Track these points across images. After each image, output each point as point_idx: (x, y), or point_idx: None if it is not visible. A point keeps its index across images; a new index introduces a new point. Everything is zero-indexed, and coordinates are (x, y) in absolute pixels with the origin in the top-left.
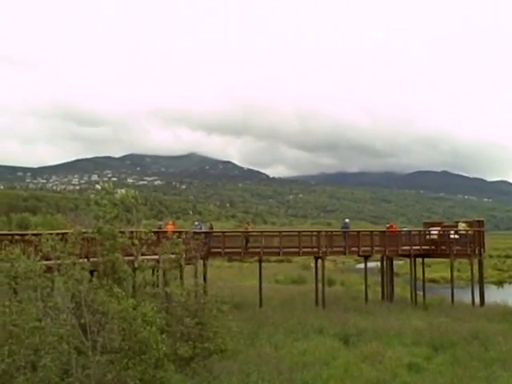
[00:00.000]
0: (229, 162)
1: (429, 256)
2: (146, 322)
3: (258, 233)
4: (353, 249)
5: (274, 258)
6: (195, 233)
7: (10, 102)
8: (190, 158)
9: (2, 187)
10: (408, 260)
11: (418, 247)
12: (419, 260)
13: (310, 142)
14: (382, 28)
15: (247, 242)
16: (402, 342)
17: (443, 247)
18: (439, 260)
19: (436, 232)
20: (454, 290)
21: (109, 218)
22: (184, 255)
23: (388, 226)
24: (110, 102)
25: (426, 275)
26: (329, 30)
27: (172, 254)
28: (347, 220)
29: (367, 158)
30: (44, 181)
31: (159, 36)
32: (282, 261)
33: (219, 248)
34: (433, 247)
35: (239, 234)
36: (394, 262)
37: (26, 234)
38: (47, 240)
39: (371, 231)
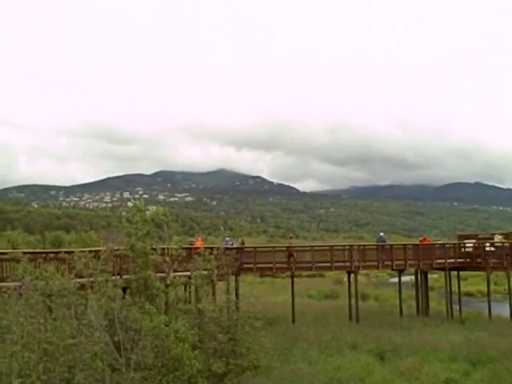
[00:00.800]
0: (259, 177)
1: (464, 269)
2: (179, 338)
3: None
4: (386, 263)
5: (306, 273)
6: (227, 248)
7: (42, 121)
8: (220, 173)
9: (36, 206)
10: (443, 273)
11: (453, 260)
12: (454, 273)
13: (340, 156)
14: (411, 39)
15: (291, 256)
16: (439, 358)
17: (479, 260)
18: (475, 273)
19: (471, 244)
20: (491, 304)
21: (140, 236)
22: (216, 271)
23: (421, 239)
24: (140, 119)
25: (461, 289)
26: (357, 42)
27: (204, 270)
28: (382, 233)
29: (399, 171)
30: (77, 199)
31: (187, 53)
32: (314, 276)
33: (251, 264)
34: (468, 260)
35: (271, 249)
36: (429, 276)
37: (60, 252)
38: (80, 258)
39: (404, 244)
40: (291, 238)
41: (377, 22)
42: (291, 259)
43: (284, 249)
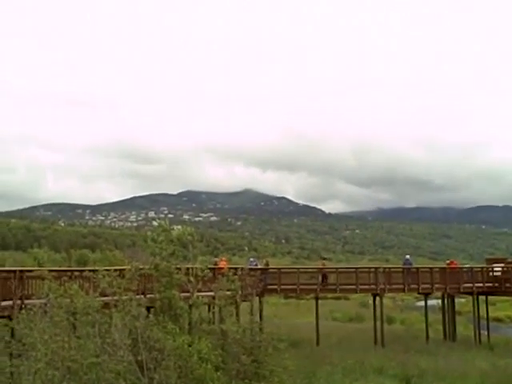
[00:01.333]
0: (284, 198)
1: (492, 294)
2: (202, 359)
3: (314, 270)
4: (412, 286)
5: (330, 295)
6: (251, 269)
7: (69, 141)
8: (245, 194)
9: (63, 224)
10: (470, 297)
11: (481, 284)
12: (482, 298)
13: (365, 177)
14: (439, 61)
15: (324, 278)
16: None
17: (508, 285)
18: (504, 298)
19: (500, 269)
20: None
21: (165, 255)
22: (240, 292)
23: (448, 262)
24: (166, 139)
25: (490, 314)
26: (384, 64)
27: (228, 290)
28: (408, 256)
29: (425, 193)
30: (102, 218)
31: (214, 73)
32: (339, 298)
33: (275, 285)
34: (496, 284)
35: (295, 270)
36: (456, 300)
37: (85, 271)
38: (105, 276)
39: (431, 268)
40: (324, 259)
41: (405, 43)
42: (324, 281)
43: (310, 270)
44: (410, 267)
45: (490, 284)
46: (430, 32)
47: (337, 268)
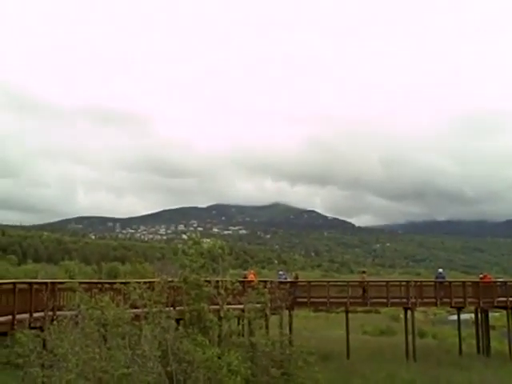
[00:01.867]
0: (313, 212)
1: None
2: (232, 371)
3: (343, 282)
4: (444, 300)
5: (360, 309)
6: (280, 282)
7: (100, 156)
8: (274, 207)
9: (94, 237)
10: (504, 312)
11: None
12: None
13: (396, 190)
14: (469, 74)
15: (364, 291)
16: None
17: None
18: None
19: None
20: None
21: (195, 268)
22: (269, 305)
23: (482, 276)
24: (196, 153)
25: None
26: (412, 75)
27: (257, 303)
28: (441, 270)
29: (457, 206)
30: (133, 231)
31: (243, 87)
32: (369, 311)
33: (305, 298)
34: None
35: (325, 283)
36: (490, 314)
37: (115, 283)
38: (135, 289)
39: (463, 281)
40: (364, 272)
41: (436, 51)
42: (365, 294)
43: (340, 283)
44: (442, 281)
45: None
46: (468, 40)
47: (367, 281)
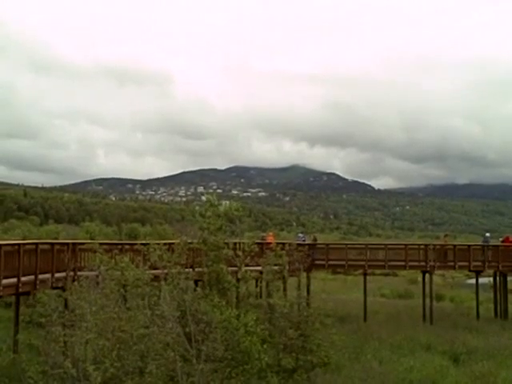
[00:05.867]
0: (333, 174)
1: None
2: (249, 332)
3: (362, 246)
4: (463, 263)
5: (378, 272)
6: (299, 244)
7: (119, 117)
8: (293, 169)
9: (114, 198)
10: None
11: None
12: None
13: (416, 153)
14: (488, 36)
15: (445, 255)
16: None
17: None
18: None
19: None
20: None
21: (213, 230)
22: (287, 267)
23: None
24: (215, 115)
25: None
26: (433, 39)
27: (275, 265)
28: (488, 234)
29: (478, 169)
30: (152, 192)
31: (260, 50)
32: (387, 274)
33: (323, 260)
34: None
35: (343, 246)
36: (508, 278)
37: (135, 244)
38: (155, 250)
39: (483, 245)
40: (447, 235)
41: (451, 20)
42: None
43: (358, 246)
44: (487, 245)
45: None
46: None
47: (386, 244)
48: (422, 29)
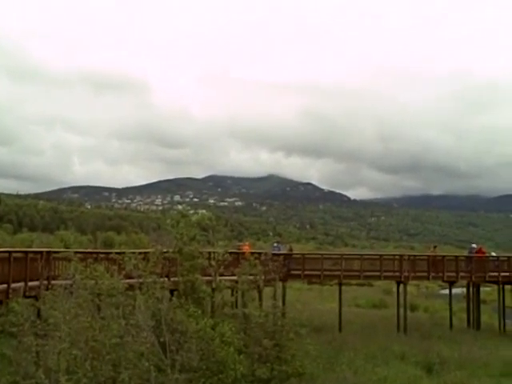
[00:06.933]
0: (309, 184)
1: None
2: (224, 342)
3: (338, 256)
4: (436, 274)
5: (354, 282)
6: (274, 254)
7: (96, 124)
8: (270, 179)
9: (89, 207)
10: (496, 286)
11: (508, 274)
12: (508, 287)
13: (392, 164)
14: (466, 49)
15: (433, 266)
16: (489, 373)
17: None
18: None
19: None
20: None
21: (186, 240)
22: (262, 276)
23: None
24: (192, 123)
25: None
26: (410, 50)
27: (250, 275)
28: (474, 245)
29: (452, 180)
30: (128, 201)
31: (239, 59)
32: (362, 284)
33: (299, 270)
34: None
35: (319, 256)
36: (481, 289)
37: (110, 253)
38: (130, 259)
39: (456, 256)
40: (435, 247)
41: (433, 25)
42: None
43: (334, 256)
44: (471, 255)
45: None
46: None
47: (361, 255)
48: (398, 41)
